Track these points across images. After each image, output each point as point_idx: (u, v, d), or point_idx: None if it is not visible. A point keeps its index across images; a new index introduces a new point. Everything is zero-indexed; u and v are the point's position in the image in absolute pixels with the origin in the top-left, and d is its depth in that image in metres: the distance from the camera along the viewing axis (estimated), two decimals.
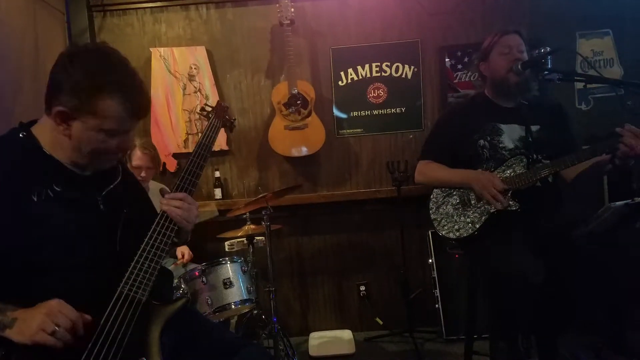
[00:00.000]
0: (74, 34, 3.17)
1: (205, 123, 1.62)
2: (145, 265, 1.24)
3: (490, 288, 2.05)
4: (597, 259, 1.92)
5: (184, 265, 2.83)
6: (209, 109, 1.63)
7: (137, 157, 2.67)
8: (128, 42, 3.30)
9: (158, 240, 1.28)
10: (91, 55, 1.21)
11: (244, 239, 2.83)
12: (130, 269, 1.23)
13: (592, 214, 1.87)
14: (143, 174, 2.70)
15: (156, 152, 2.78)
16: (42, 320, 1.07)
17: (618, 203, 1.76)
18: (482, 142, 2.14)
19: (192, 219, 1.37)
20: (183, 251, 2.88)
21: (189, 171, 1.43)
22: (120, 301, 1.18)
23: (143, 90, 1.27)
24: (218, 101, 1.71)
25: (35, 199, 1.18)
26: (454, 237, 2.11)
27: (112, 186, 1.35)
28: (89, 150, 1.25)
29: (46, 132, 1.25)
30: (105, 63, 1.21)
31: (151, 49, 3.29)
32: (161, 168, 3.24)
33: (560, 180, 2.14)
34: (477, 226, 2.06)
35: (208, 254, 3.16)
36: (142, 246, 1.26)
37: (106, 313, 1.16)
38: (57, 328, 1.06)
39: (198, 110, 1.78)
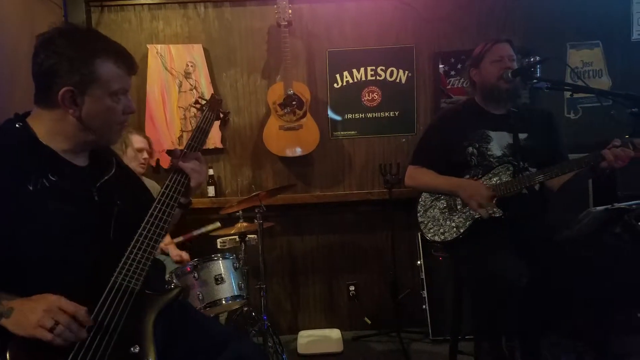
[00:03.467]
0: None
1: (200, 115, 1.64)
2: (139, 255, 1.26)
3: (475, 290, 2.10)
4: (581, 263, 1.97)
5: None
6: (203, 102, 1.66)
7: (138, 140, 2.79)
8: (125, 38, 3.32)
9: (159, 218, 1.32)
10: (69, 33, 1.26)
11: (236, 236, 2.86)
12: (124, 258, 1.25)
13: (574, 219, 1.92)
14: (145, 156, 2.83)
15: (149, 140, 2.94)
16: (42, 316, 1.09)
17: (598, 208, 1.82)
18: (470, 149, 2.19)
19: (203, 173, 1.46)
20: (180, 254, 2.93)
21: (190, 147, 1.48)
22: (114, 290, 1.21)
23: (124, 48, 1.34)
24: (212, 94, 1.73)
25: (31, 188, 1.20)
26: (439, 240, 2.16)
27: (106, 177, 1.37)
28: (99, 124, 1.29)
29: (41, 124, 1.27)
30: (84, 35, 1.29)
31: (148, 46, 3.31)
32: (154, 165, 3.27)
33: (545, 189, 2.19)
34: (462, 230, 2.11)
35: (200, 250, 3.18)
36: (136, 237, 1.29)
37: (100, 302, 1.18)
38: (55, 325, 1.08)
39: (193, 103, 1.81)
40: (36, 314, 1.09)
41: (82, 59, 1.22)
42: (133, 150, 2.74)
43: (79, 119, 1.26)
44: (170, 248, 2.96)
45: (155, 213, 1.34)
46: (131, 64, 1.33)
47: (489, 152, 2.17)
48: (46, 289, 1.15)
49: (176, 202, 1.38)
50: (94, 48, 1.25)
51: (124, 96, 1.33)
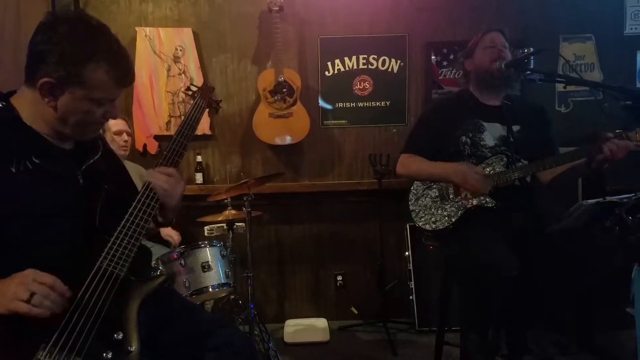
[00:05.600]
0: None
1: (191, 103, 1.61)
2: (125, 241, 1.23)
3: (464, 280, 2.09)
4: (569, 257, 1.98)
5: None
6: (195, 88, 1.63)
7: (115, 123, 2.67)
8: (113, 20, 3.24)
9: (139, 217, 1.28)
10: (74, 24, 1.19)
11: (224, 224, 2.83)
12: (109, 244, 1.22)
13: (565, 212, 1.92)
14: (126, 138, 2.75)
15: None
16: (16, 288, 1.06)
17: (590, 201, 1.81)
18: (464, 138, 2.17)
19: (176, 195, 1.36)
20: (170, 234, 2.88)
21: (172, 150, 1.41)
22: (99, 276, 1.17)
23: (127, 57, 1.27)
24: (204, 81, 1.70)
25: (14, 170, 1.16)
26: (430, 229, 2.16)
27: (92, 161, 1.34)
28: (74, 121, 1.24)
29: (26, 104, 1.23)
30: (90, 31, 1.20)
31: (137, 29, 3.24)
32: (141, 151, 3.22)
33: (536, 181, 2.19)
34: (453, 220, 2.10)
35: (187, 237, 3.15)
36: (123, 222, 1.26)
37: (84, 287, 1.15)
38: (31, 297, 1.05)
39: (183, 89, 1.78)
40: (10, 289, 1.06)
41: (75, 57, 1.16)
42: (110, 134, 2.67)
43: (54, 109, 1.21)
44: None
45: (143, 199, 1.31)
46: (125, 77, 1.26)
47: (482, 142, 2.16)
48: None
49: (154, 208, 1.33)
50: (92, 50, 1.18)
51: (110, 103, 1.27)
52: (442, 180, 2.18)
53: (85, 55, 1.17)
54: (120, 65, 1.23)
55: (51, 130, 1.26)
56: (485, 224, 2.01)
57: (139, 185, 1.38)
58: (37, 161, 1.20)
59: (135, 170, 2.65)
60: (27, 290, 1.06)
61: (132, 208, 1.29)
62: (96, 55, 1.18)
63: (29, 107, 1.23)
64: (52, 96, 1.20)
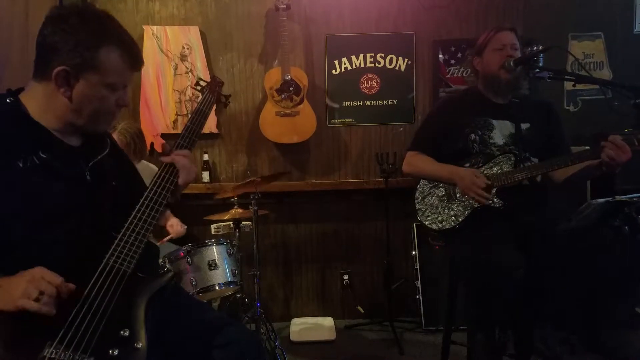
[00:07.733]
0: None
1: (198, 100, 1.60)
2: (132, 237, 1.23)
3: (470, 280, 2.08)
4: (577, 256, 1.96)
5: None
6: (204, 83, 1.61)
7: None
8: (120, 18, 3.13)
9: (146, 214, 1.28)
10: (83, 14, 1.22)
11: (231, 222, 2.83)
12: (117, 240, 1.22)
13: (574, 211, 1.90)
14: None
15: (133, 140, 2.68)
16: (25, 287, 1.06)
17: (599, 200, 1.79)
18: (473, 136, 2.16)
19: (193, 171, 1.41)
20: (172, 223, 2.86)
21: (180, 146, 1.42)
22: (105, 272, 1.17)
23: (135, 42, 1.32)
24: (213, 75, 1.68)
25: (21, 165, 1.17)
26: (437, 228, 2.14)
27: (99, 157, 1.34)
28: (90, 110, 1.25)
29: (34, 99, 1.24)
30: (98, 19, 1.24)
31: (144, 27, 3.25)
32: (148, 149, 3.22)
33: (547, 180, 2.17)
34: (460, 220, 2.09)
35: (194, 236, 3.16)
36: (130, 219, 1.26)
37: (90, 283, 1.15)
38: (40, 295, 1.06)
39: (192, 85, 1.76)
40: (20, 287, 1.07)
41: (89, 43, 1.19)
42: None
43: (69, 99, 1.23)
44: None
45: (150, 195, 1.31)
46: (137, 60, 1.30)
47: (491, 140, 2.14)
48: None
49: (172, 184, 1.36)
50: (104, 35, 1.22)
51: (123, 89, 1.30)
52: (446, 182, 2.17)
53: (99, 41, 1.21)
54: (131, 48, 1.27)
55: (61, 125, 1.27)
56: (492, 225, 2.00)
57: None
58: (44, 156, 1.21)
59: (147, 170, 2.66)
60: (37, 289, 1.06)
61: (139, 205, 1.29)
62: (108, 40, 1.22)
63: (39, 101, 1.24)
64: (68, 85, 1.21)
